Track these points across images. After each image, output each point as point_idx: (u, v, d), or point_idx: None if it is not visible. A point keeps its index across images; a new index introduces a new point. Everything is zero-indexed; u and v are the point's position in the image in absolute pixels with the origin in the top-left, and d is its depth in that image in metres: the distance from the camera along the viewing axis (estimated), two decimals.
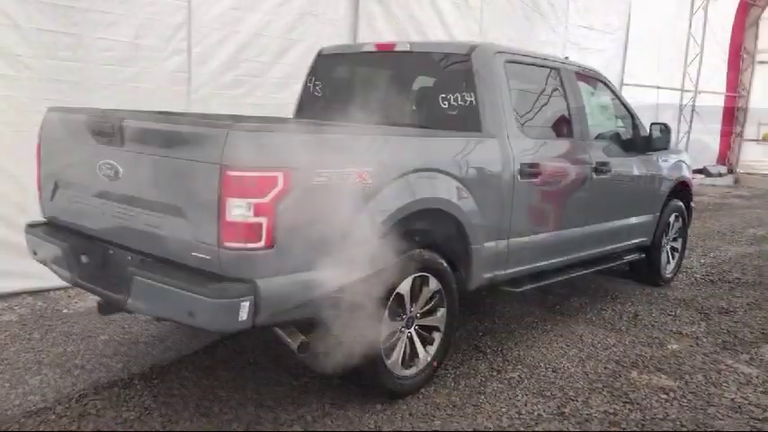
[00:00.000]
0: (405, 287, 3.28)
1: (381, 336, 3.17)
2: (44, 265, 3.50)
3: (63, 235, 3.32)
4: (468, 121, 3.81)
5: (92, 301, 4.71)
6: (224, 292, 2.59)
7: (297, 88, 6.27)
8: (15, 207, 4.68)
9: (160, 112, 3.67)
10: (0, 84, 4.51)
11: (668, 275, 5.85)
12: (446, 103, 3.91)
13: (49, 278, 4.82)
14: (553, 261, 4.33)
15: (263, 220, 2.61)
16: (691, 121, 13.20)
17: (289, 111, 6.22)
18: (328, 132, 3.10)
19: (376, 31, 7.02)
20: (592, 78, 4.90)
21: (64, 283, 4.88)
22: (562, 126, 4.44)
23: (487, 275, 3.80)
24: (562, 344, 4.24)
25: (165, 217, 2.82)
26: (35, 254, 3.51)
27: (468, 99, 3.83)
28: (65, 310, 4.58)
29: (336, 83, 4.53)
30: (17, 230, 4.69)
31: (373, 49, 4.31)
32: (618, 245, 5.07)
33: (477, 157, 3.65)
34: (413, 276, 3.31)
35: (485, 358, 3.95)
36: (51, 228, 3.48)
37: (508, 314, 4.76)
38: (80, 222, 3.29)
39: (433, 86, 4.04)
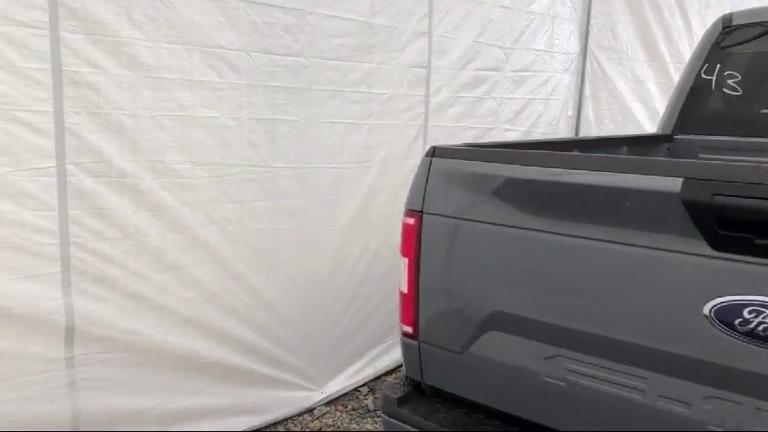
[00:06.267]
0: None
1: None
2: None
3: None
4: None
5: None
6: None
7: (531, 85, 4.47)
8: (228, 313, 2.80)
9: None
10: (195, 96, 2.60)
11: None
12: None
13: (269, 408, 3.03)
14: None
15: None
16: None
17: (523, 118, 4.41)
18: None
19: None
20: None
21: (288, 412, 3.08)
22: None
23: None
24: None
25: None
26: None
27: None
28: None
29: None
30: (215, 340, 2.84)
31: None
32: None
33: None
34: None
35: None
36: (463, 413, 1.59)
37: None
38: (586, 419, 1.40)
39: None
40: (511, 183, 1.44)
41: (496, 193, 1.46)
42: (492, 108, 4.12)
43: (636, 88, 5.34)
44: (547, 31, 4.48)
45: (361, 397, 3.30)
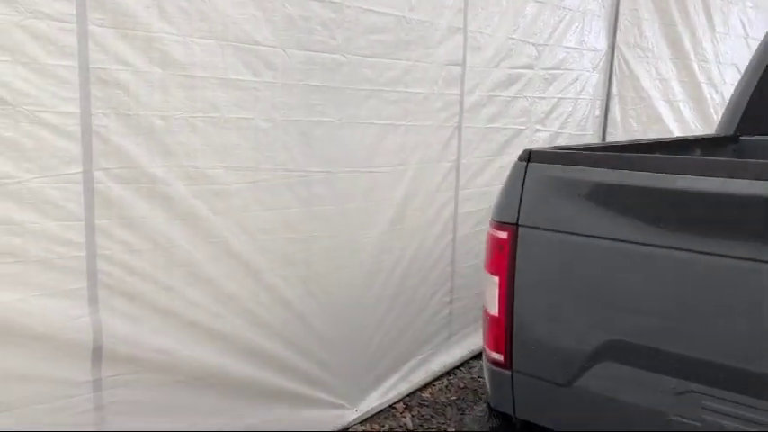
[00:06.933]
0: None
1: None
2: None
3: None
4: None
5: None
6: None
7: (561, 84, 4.30)
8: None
9: None
10: (229, 96, 2.41)
11: None
12: None
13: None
14: None
15: None
16: None
17: (553, 118, 4.23)
18: None
19: None
20: None
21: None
22: None
23: None
24: None
25: None
26: None
27: None
28: None
29: None
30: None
31: None
32: None
33: None
34: None
35: None
36: None
37: None
38: None
39: None
40: (631, 192, 1.26)
41: (611, 204, 1.28)
42: (524, 108, 3.95)
43: (660, 87, 5.20)
44: (577, 27, 4.32)
45: (398, 414, 3.11)
